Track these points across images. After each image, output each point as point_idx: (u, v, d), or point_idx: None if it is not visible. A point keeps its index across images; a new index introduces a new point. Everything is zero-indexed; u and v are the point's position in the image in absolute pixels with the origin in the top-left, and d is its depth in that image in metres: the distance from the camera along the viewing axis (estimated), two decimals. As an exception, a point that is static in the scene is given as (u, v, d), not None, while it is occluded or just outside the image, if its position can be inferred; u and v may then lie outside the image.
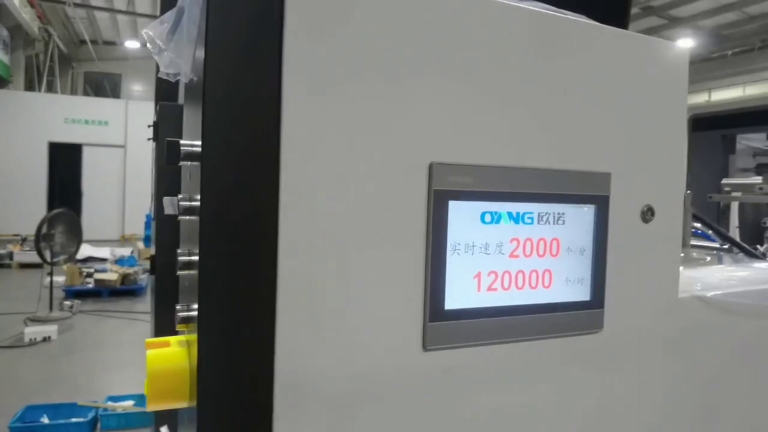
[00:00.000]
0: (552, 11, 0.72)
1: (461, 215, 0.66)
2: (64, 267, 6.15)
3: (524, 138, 0.70)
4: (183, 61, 0.63)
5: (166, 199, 0.65)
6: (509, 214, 0.69)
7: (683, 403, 0.87)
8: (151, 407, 0.59)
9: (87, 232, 6.34)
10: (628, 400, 0.80)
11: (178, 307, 0.61)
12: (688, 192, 1.27)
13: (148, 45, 0.68)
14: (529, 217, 0.71)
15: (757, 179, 2.02)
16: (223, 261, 0.55)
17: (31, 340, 4.71)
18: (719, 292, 0.93)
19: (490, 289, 0.69)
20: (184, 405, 0.60)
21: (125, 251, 8.77)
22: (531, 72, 0.70)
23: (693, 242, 1.44)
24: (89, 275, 6.79)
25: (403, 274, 0.63)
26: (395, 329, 0.64)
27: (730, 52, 11.65)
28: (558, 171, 0.72)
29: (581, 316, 0.75)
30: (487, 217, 0.68)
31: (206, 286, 0.55)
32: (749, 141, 3.05)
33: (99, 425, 3.20)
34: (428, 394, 0.66)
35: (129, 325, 5.54)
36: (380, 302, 0.63)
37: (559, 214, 0.72)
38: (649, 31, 10.45)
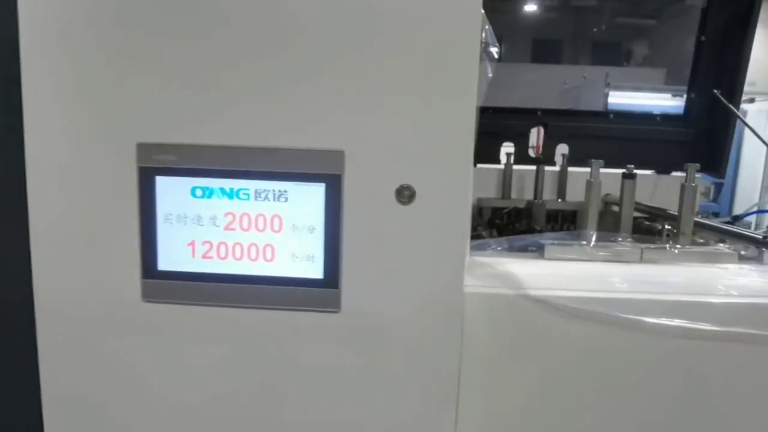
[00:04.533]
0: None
1: (171, 189, 0.75)
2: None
3: (239, 117, 0.73)
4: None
5: None
6: (222, 189, 0.74)
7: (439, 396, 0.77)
8: None
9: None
10: (367, 383, 0.76)
11: None
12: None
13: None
14: (244, 194, 0.74)
15: None
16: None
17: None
18: (586, 295, 0.76)
19: (205, 257, 0.76)
20: None
21: None
22: (253, 54, 0.72)
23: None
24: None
25: (122, 237, 0.76)
26: (121, 280, 0.77)
27: None
28: (279, 149, 0.73)
29: (313, 294, 0.75)
30: (198, 192, 0.75)
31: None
32: None
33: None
34: (151, 337, 0.78)
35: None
36: (109, 258, 0.77)
37: (280, 191, 0.73)
38: None
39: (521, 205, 1.52)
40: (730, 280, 0.87)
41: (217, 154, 0.74)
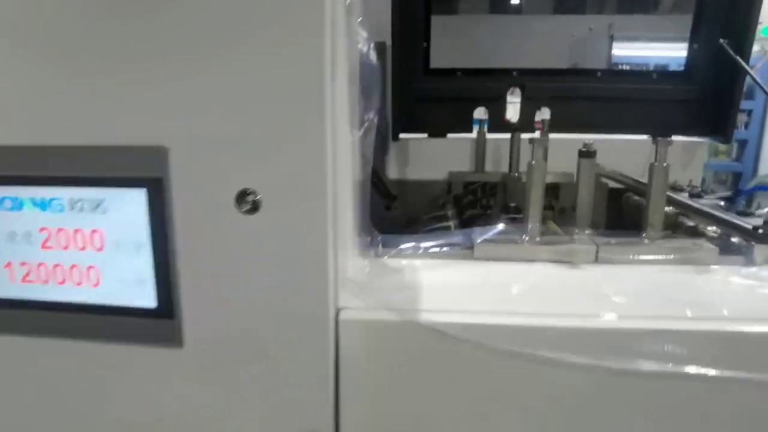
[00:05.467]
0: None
1: (-23, 201, 0.61)
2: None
3: (42, 111, 0.58)
4: None
5: None
6: (32, 200, 0.60)
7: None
8: None
9: None
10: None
11: None
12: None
13: None
14: (58, 204, 0.60)
15: None
16: None
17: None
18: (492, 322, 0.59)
19: (25, 280, 0.63)
20: None
21: None
22: (55, 37, 0.57)
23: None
24: None
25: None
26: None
27: None
28: (88, 147, 0.58)
29: (147, 325, 0.61)
30: (8, 203, 0.61)
31: None
32: None
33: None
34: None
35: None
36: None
37: (97, 200, 0.59)
38: None
39: (496, 179, 1.33)
40: (696, 290, 0.69)
41: (22, 157, 0.59)
